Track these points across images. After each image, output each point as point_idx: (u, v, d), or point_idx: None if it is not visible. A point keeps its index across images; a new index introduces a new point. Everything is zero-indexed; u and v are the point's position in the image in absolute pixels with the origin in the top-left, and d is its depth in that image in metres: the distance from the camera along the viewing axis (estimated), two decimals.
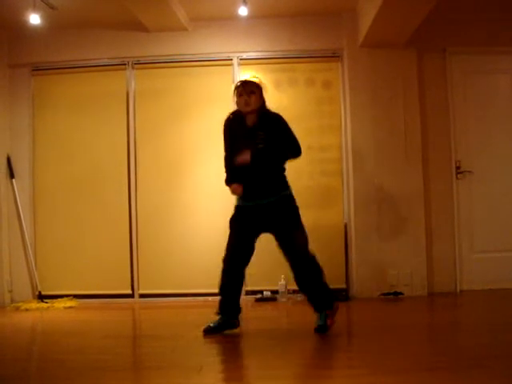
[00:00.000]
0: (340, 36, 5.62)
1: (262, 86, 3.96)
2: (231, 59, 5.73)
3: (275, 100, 5.68)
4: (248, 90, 3.87)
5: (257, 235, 3.97)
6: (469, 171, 5.54)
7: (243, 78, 4.07)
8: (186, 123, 5.75)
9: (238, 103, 3.94)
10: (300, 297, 5.38)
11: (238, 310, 4.02)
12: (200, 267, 5.50)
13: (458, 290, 5.46)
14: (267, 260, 5.55)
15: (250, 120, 3.92)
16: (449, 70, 5.59)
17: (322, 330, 3.80)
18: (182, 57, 5.74)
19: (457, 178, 5.55)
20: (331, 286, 3.82)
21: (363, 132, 5.48)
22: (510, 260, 5.47)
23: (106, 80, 5.80)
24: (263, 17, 5.59)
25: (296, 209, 3.93)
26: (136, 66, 5.78)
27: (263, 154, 3.82)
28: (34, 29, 5.21)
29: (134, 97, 5.77)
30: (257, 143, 3.82)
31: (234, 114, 4.02)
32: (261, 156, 3.82)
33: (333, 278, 5.46)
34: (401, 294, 5.31)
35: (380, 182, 5.43)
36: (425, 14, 4.73)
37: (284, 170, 3.98)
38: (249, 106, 3.87)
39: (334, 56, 5.70)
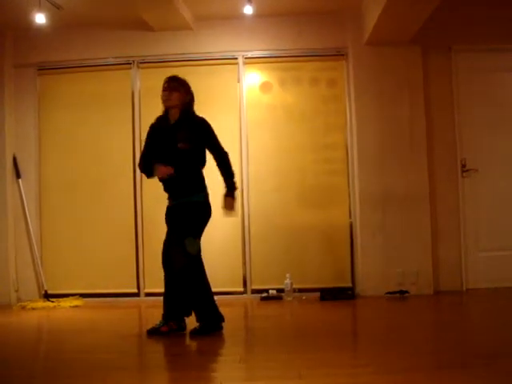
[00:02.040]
0: (345, 34, 5.61)
1: (187, 85, 4.03)
2: (236, 58, 5.73)
3: (280, 99, 5.73)
4: (171, 86, 3.96)
5: None
6: (474, 169, 5.52)
7: (171, 75, 4.09)
8: None
9: (161, 97, 4.00)
10: (305, 296, 5.40)
11: (183, 311, 3.97)
12: (205, 265, 5.49)
13: (464, 289, 5.45)
14: (273, 258, 5.58)
15: (173, 117, 3.99)
16: (454, 67, 5.57)
17: (195, 332, 3.83)
18: (186, 56, 5.74)
19: (462, 176, 5.53)
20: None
21: (368, 130, 5.47)
22: None
23: (111, 79, 5.82)
24: (268, 15, 5.58)
25: (195, 217, 3.88)
26: (141, 65, 5.79)
27: (182, 154, 3.85)
28: (40, 28, 5.22)
29: (140, 96, 5.77)
30: (177, 142, 3.86)
31: (159, 116, 4.07)
32: (179, 156, 3.85)
33: (339, 277, 5.53)
34: (407, 292, 5.29)
35: (385, 180, 5.42)
36: (430, 12, 4.72)
37: (198, 172, 3.95)
38: (169, 101, 3.95)
39: (338, 54, 5.69)
